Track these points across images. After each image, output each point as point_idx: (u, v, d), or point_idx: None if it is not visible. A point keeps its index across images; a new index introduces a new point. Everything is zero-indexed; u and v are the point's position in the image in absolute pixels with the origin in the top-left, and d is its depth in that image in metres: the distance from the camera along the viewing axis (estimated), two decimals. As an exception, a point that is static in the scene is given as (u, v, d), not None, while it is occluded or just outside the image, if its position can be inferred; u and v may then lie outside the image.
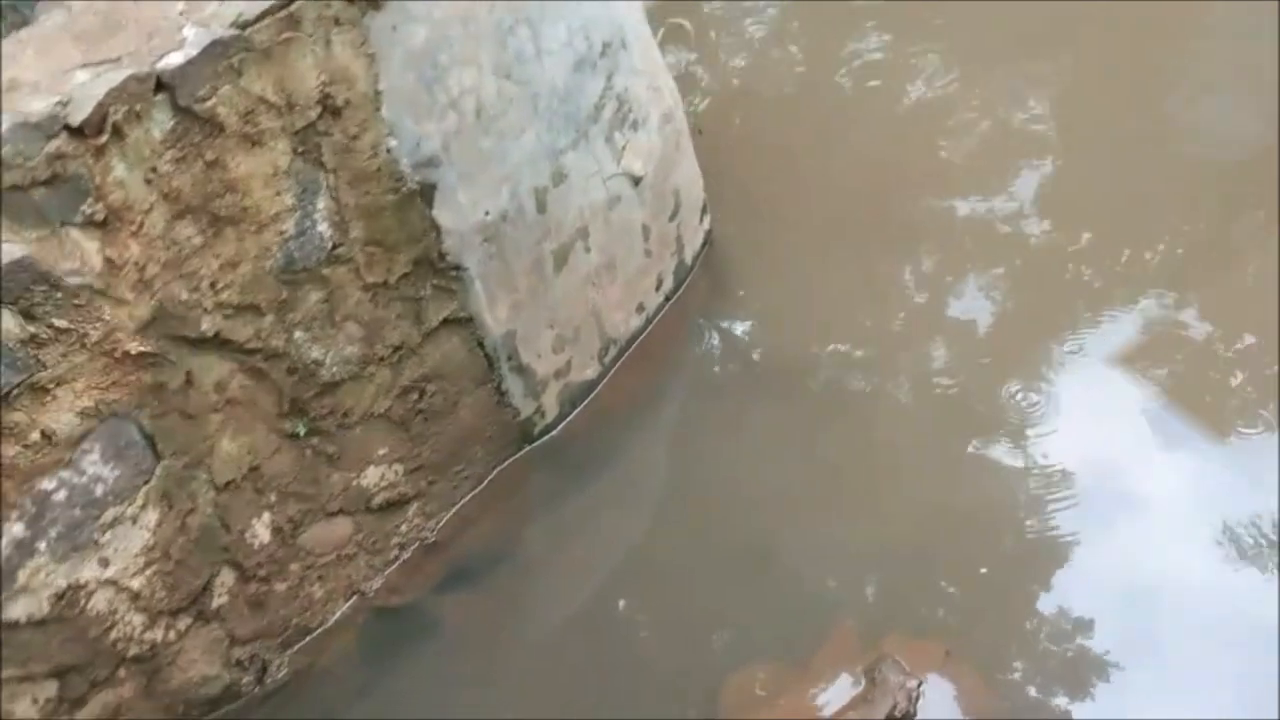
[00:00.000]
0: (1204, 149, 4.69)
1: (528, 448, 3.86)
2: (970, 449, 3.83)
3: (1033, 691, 3.30)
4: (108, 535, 2.86)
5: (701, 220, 4.45)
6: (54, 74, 2.60)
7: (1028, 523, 3.64)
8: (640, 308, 4.17)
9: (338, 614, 3.48)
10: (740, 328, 4.31)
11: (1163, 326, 4.10)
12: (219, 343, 2.91)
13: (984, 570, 3.55)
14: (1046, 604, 3.48)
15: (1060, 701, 3.28)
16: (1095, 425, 3.86)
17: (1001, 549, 3.61)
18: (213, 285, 2.84)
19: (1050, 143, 4.79)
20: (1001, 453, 3.81)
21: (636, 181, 3.92)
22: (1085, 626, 3.42)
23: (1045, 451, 3.79)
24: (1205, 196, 4.48)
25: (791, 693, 3.34)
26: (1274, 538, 3.49)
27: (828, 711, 3.25)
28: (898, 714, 3.15)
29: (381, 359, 3.29)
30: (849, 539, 3.67)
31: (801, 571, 3.61)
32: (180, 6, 2.76)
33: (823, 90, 5.28)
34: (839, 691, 3.29)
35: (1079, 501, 3.66)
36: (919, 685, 3.20)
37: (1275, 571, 3.42)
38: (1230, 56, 5.04)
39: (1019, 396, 3.93)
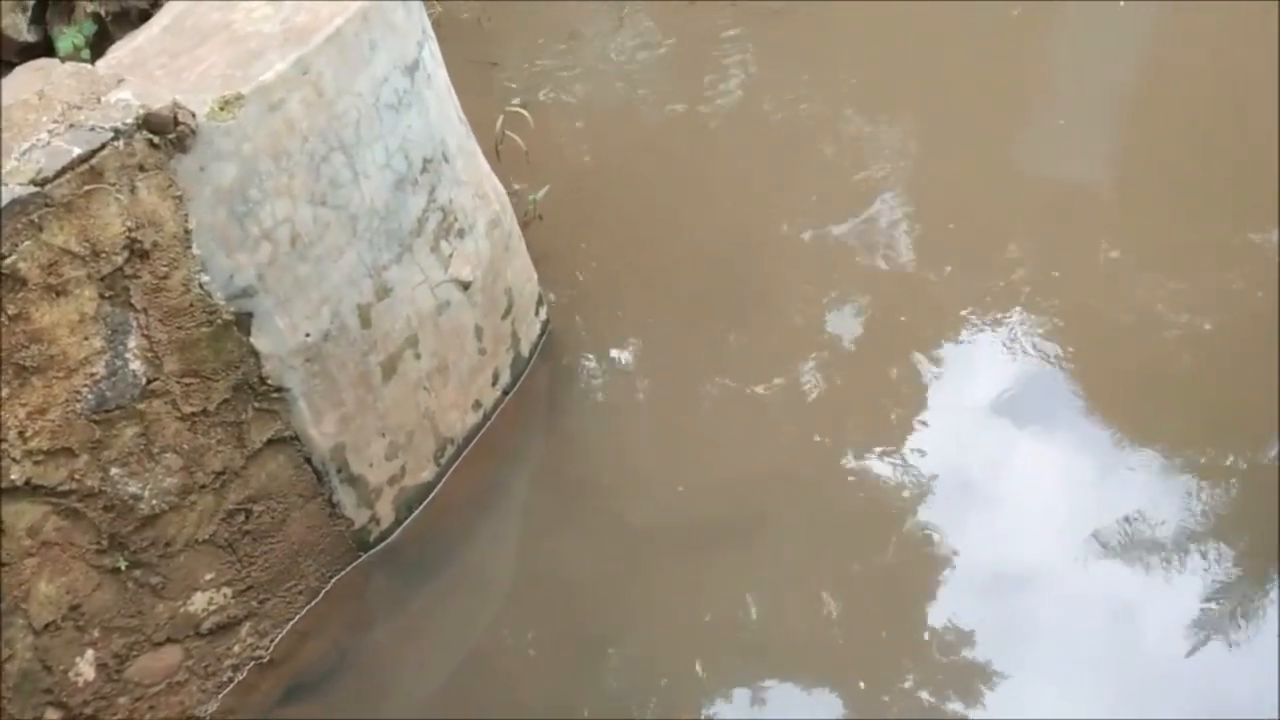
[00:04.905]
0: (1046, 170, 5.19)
1: (364, 555, 3.90)
2: (820, 516, 4.07)
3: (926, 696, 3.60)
4: (-80, 690, 2.84)
5: (537, 313, 4.56)
6: None
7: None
8: (477, 404, 4.25)
9: (172, 740, 3.48)
10: (576, 419, 4.42)
11: (1024, 342, 4.51)
12: (31, 489, 2.92)
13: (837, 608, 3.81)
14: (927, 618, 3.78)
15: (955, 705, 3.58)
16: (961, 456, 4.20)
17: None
18: (21, 434, 2.85)
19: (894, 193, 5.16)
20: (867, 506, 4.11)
21: (466, 286, 4.02)
22: (964, 633, 3.72)
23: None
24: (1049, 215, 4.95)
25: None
26: (1130, 529, 3.90)
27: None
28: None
29: (203, 486, 3.31)
30: (686, 626, 3.80)
31: (639, 661, 3.74)
32: (-24, 162, 2.78)
33: (665, 162, 5.43)
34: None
35: (946, 517, 4.00)
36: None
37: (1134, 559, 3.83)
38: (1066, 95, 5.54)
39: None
